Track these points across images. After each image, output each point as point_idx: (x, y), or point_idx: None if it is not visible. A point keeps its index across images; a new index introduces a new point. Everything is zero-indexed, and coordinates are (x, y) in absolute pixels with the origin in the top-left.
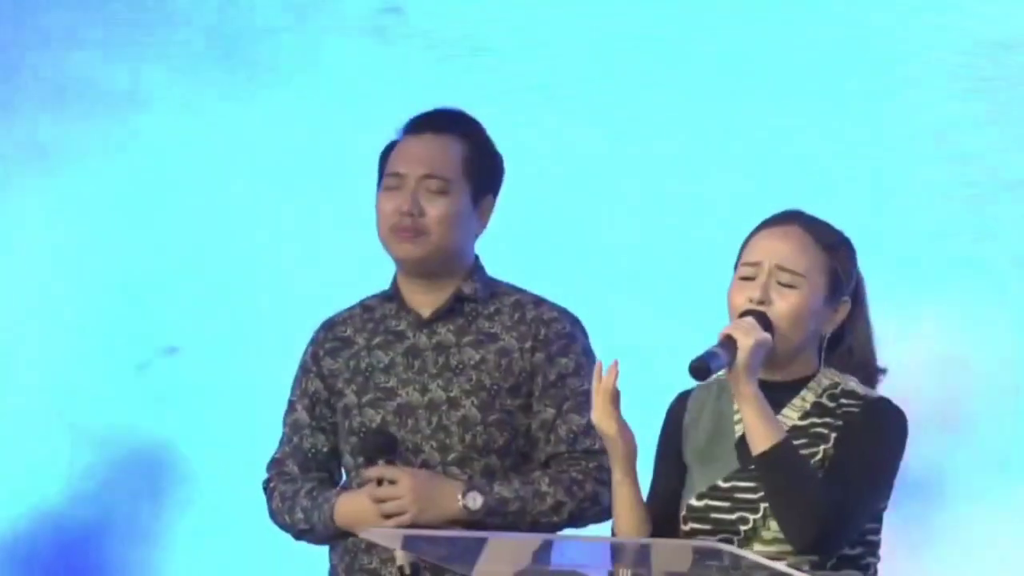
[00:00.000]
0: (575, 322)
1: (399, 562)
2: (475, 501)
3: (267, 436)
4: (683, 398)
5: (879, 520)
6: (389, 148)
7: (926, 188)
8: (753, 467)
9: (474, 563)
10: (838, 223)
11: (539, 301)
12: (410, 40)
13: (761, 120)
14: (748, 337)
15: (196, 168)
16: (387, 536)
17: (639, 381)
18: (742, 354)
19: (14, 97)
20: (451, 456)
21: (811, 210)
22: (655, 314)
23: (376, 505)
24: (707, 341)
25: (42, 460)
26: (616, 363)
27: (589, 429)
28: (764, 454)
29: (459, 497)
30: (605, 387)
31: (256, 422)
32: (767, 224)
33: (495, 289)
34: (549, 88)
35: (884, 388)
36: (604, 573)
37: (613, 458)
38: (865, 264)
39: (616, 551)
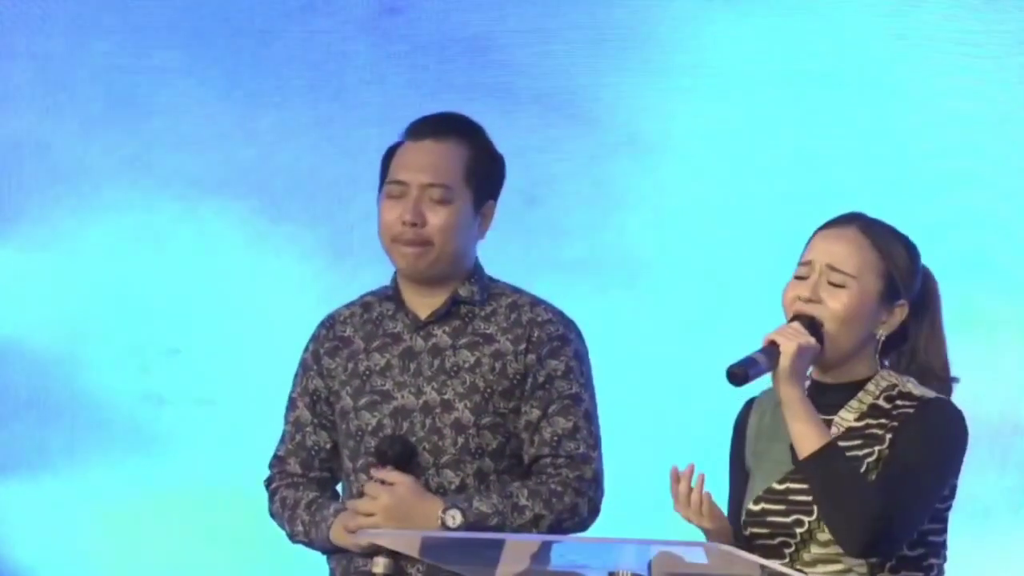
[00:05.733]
0: (570, 325)
1: (377, 569)
2: (454, 519)
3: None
4: (748, 406)
5: (941, 520)
6: (391, 151)
7: (927, 185)
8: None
9: (494, 566)
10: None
11: (536, 303)
12: (410, 40)
13: (763, 118)
14: (791, 342)
15: (196, 168)
16: (398, 541)
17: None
18: (784, 359)
19: (15, 99)
20: (444, 459)
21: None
22: (655, 316)
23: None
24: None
25: None
26: (691, 468)
27: (575, 433)
28: (809, 458)
29: (439, 515)
30: (683, 498)
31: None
32: (827, 225)
33: (493, 290)
34: (549, 88)
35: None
36: (604, 573)
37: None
38: None
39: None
